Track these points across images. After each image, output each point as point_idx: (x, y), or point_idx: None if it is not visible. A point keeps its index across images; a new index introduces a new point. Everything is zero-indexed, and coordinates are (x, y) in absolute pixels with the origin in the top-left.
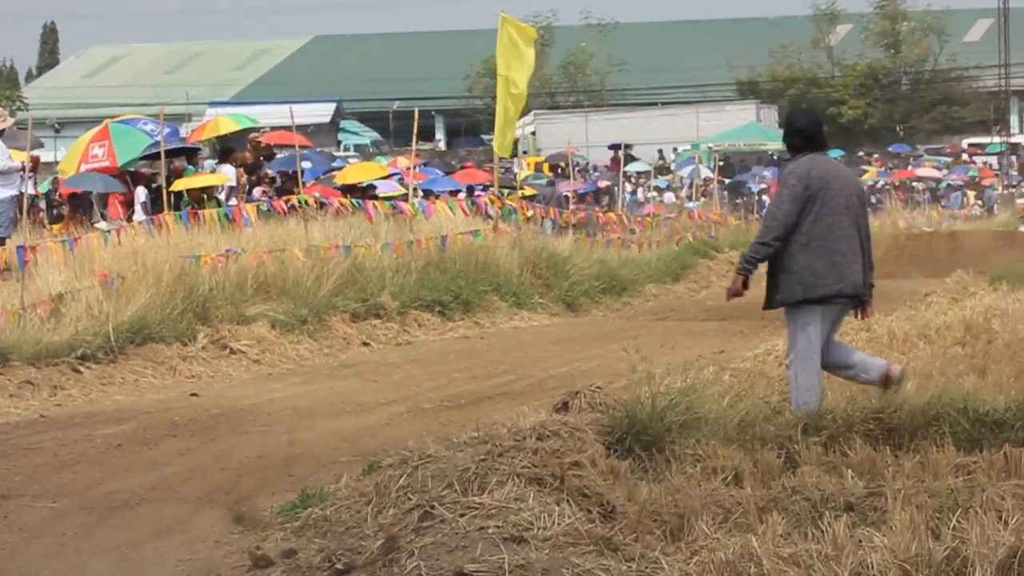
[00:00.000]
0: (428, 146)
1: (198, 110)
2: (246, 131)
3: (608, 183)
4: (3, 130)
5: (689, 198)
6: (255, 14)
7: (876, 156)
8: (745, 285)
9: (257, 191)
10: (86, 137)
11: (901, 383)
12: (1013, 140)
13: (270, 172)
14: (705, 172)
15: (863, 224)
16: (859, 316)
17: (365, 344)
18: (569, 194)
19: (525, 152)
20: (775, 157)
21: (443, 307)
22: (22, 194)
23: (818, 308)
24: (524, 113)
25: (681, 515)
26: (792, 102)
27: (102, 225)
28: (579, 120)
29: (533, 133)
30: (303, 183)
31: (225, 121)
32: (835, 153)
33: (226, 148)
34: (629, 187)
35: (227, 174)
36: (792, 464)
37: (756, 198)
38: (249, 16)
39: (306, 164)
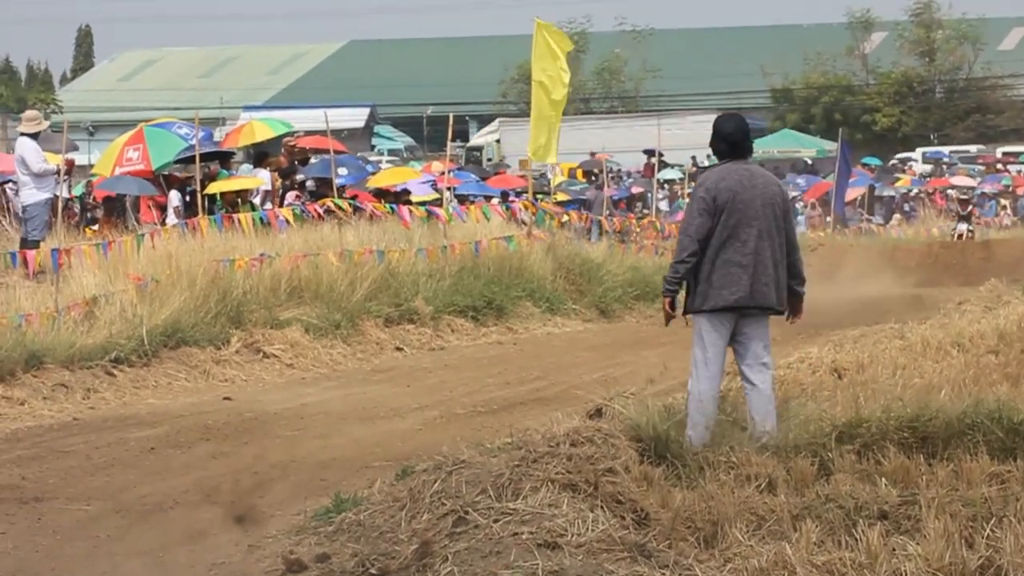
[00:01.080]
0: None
1: (232, 114)
2: (280, 136)
3: (642, 189)
4: (38, 133)
5: None
6: (290, 19)
7: (910, 164)
8: (672, 306)
9: (291, 195)
10: (121, 140)
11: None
12: None
13: (301, 177)
14: None
15: (778, 232)
16: (789, 319)
17: (398, 349)
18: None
19: (490, 159)
20: (809, 163)
21: (476, 312)
22: (57, 197)
23: (713, 317)
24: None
25: (715, 522)
26: (826, 110)
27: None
28: None
29: (498, 141)
30: (340, 188)
31: (260, 127)
32: (871, 161)
33: (260, 152)
34: (662, 194)
35: (262, 178)
36: (826, 472)
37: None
38: (284, 20)
39: (342, 170)
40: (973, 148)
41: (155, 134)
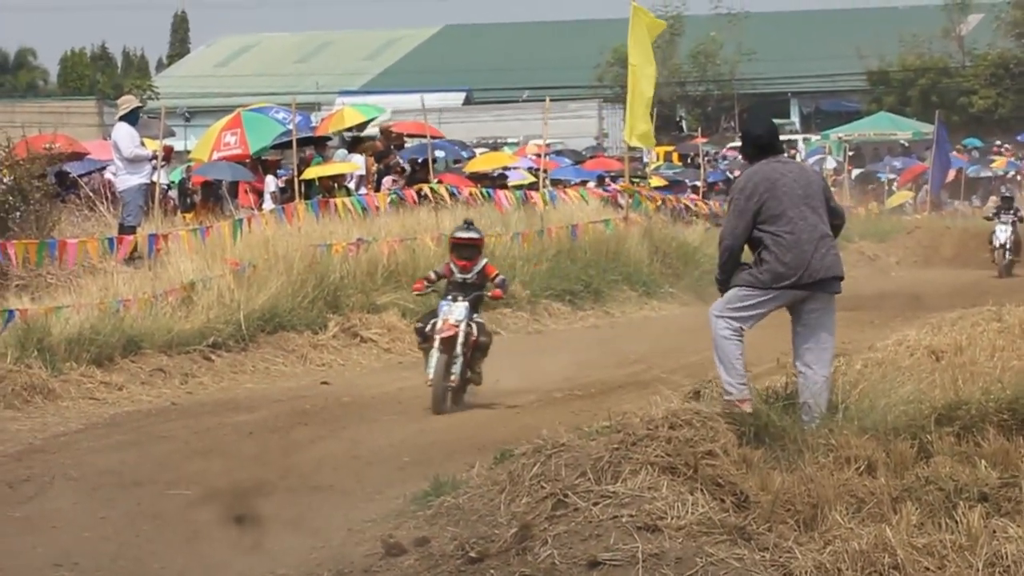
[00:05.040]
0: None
1: (328, 99)
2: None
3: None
4: (136, 118)
5: None
6: (385, 3)
7: (1007, 147)
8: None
9: (387, 180)
10: (218, 125)
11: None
12: None
13: (400, 161)
14: (831, 162)
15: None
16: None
17: (495, 333)
18: (700, 183)
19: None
20: (905, 146)
21: (573, 296)
22: (153, 183)
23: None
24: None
25: (814, 505)
26: (923, 92)
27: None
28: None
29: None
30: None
31: (351, 113)
32: (972, 142)
33: (356, 137)
34: None
35: (356, 163)
36: (925, 454)
37: (886, 187)
38: (379, 5)
39: (439, 153)
40: None
41: (253, 119)
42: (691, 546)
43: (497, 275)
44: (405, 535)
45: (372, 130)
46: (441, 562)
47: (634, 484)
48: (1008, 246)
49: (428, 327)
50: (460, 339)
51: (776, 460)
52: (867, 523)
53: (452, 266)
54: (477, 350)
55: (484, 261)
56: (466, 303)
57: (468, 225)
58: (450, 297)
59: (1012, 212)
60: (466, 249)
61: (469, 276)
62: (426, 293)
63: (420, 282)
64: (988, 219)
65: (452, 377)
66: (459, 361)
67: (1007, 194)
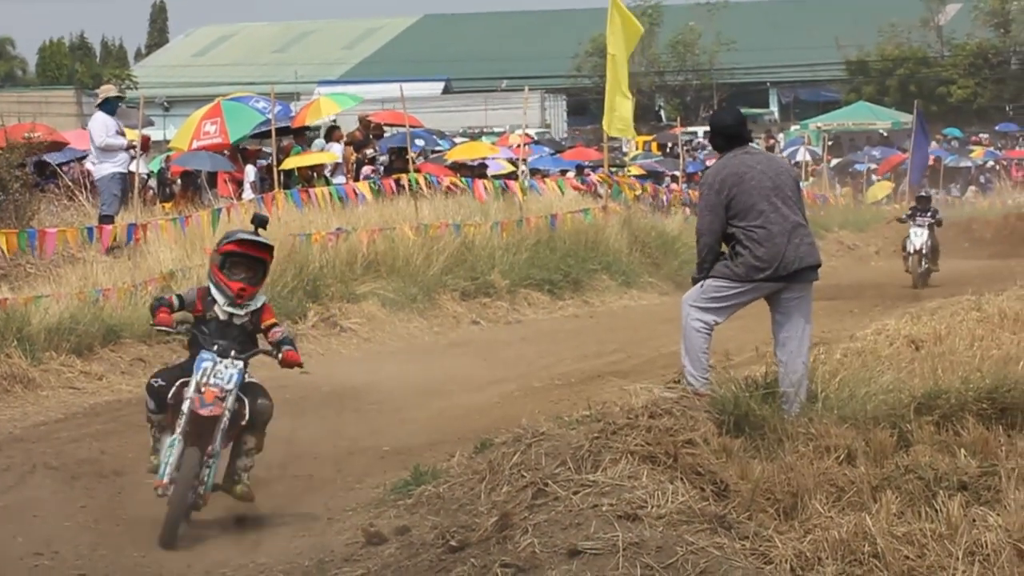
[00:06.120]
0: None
1: (307, 89)
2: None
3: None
4: (114, 108)
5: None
6: None
7: (986, 136)
8: None
9: (367, 169)
10: (198, 114)
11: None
12: None
13: (371, 152)
14: (803, 154)
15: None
16: None
17: (475, 323)
18: (679, 173)
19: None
20: (884, 135)
21: (553, 286)
22: (131, 173)
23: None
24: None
25: (794, 494)
26: (901, 82)
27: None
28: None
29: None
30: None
31: (327, 103)
32: (951, 132)
33: (331, 126)
34: None
35: (335, 152)
36: (905, 443)
37: (865, 177)
38: None
39: (419, 142)
40: None
41: (233, 107)
42: (671, 535)
43: (276, 326)
44: (386, 524)
45: (351, 119)
46: (421, 551)
47: (614, 473)
48: (925, 252)
49: (171, 391)
50: (223, 424)
51: (756, 449)
52: (847, 512)
53: (217, 291)
54: (249, 430)
55: (263, 298)
56: (241, 363)
57: (258, 225)
58: (216, 348)
59: (929, 214)
60: (248, 265)
61: (241, 313)
62: (172, 333)
63: (164, 312)
64: (901, 221)
65: (201, 489)
66: (215, 462)
67: (923, 193)
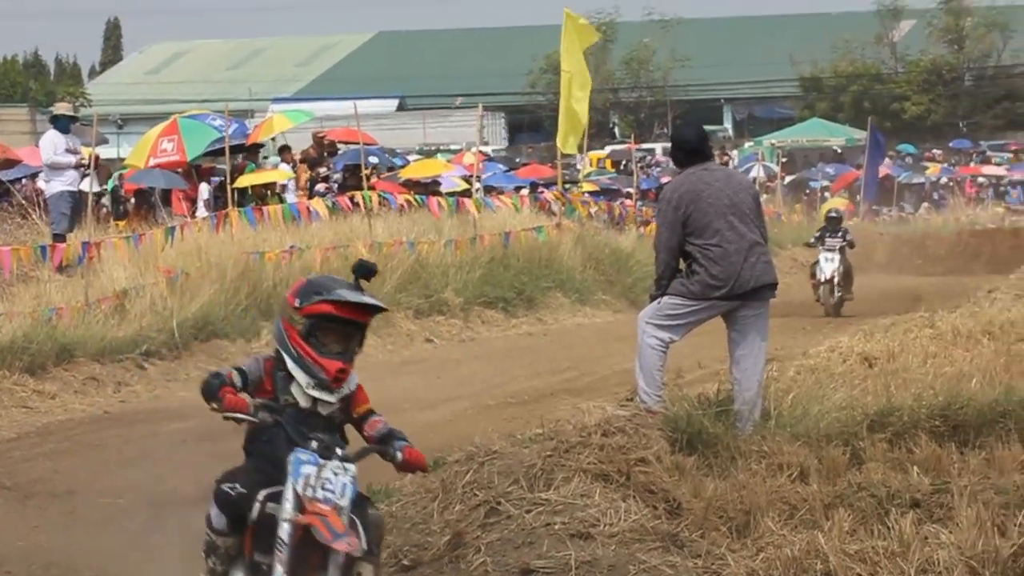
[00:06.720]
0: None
1: (261, 106)
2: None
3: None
4: (60, 122)
5: None
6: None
7: (939, 152)
8: None
9: (321, 187)
10: (154, 132)
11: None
12: None
13: (323, 171)
14: (759, 170)
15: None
16: None
17: (428, 341)
18: (633, 191)
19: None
20: (838, 152)
21: (506, 303)
22: (81, 192)
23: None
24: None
25: (747, 512)
26: (855, 98)
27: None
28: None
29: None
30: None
31: (279, 119)
32: (906, 148)
33: (282, 145)
34: None
35: (287, 171)
36: (857, 461)
37: (819, 194)
38: (312, 12)
39: (373, 159)
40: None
41: (190, 125)
42: (624, 553)
43: (373, 413)
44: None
45: (305, 136)
46: None
47: (567, 491)
48: (837, 280)
49: (257, 507)
50: (341, 558)
51: (709, 467)
52: (799, 530)
53: (298, 367)
54: (365, 559)
55: (356, 377)
56: (353, 468)
57: (362, 275)
58: (315, 446)
59: (839, 235)
60: (343, 332)
61: (332, 400)
62: (250, 421)
63: (231, 393)
64: (809, 245)
65: None
66: None
67: (834, 214)
